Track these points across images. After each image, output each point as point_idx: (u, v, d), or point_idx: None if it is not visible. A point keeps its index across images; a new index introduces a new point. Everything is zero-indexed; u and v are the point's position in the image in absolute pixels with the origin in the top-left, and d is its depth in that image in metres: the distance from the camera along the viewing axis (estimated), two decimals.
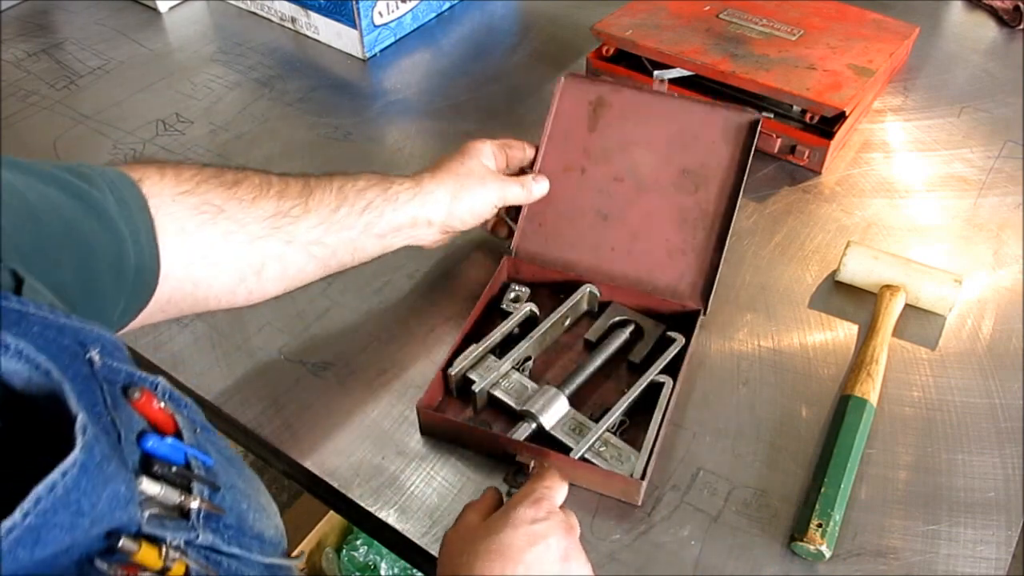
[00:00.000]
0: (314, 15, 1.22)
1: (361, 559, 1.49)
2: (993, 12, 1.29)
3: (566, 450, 0.71)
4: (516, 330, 0.80)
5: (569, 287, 0.84)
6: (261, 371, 0.81)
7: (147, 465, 0.41)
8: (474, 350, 0.77)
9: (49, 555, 0.34)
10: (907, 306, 0.85)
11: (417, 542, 0.69)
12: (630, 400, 0.74)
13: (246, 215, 0.67)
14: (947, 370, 0.81)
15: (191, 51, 1.24)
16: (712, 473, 0.73)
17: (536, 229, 0.88)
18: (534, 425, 0.73)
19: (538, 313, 0.81)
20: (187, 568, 0.40)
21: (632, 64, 1.11)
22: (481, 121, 1.10)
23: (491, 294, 0.84)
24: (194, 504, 0.43)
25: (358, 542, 1.50)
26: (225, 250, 0.66)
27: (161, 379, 0.46)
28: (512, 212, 0.89)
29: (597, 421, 0.72)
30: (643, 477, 0.69)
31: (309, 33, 1.25)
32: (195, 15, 1.31)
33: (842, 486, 0.70)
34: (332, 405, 0.79)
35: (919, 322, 0.85)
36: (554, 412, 0.73)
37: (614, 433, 0.73)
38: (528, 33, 1.28)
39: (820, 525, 0.67)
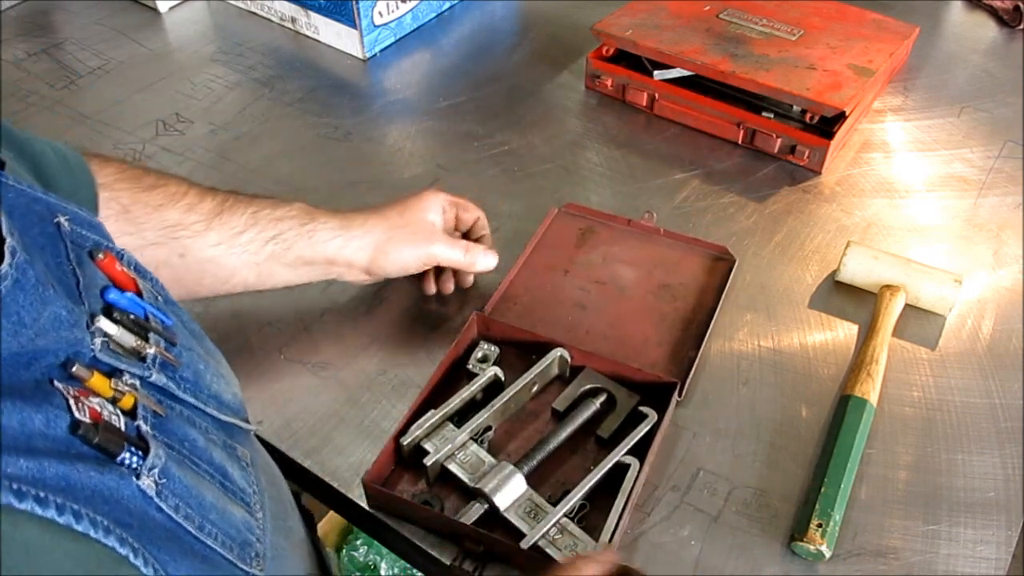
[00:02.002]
0: (314, 15, 1.22)
1: (361, 559, 1.49)
2: (993, 12, 1.29)
3: (518, 536, 0.65)
4: (479, 395, 0.75)
5: (541, 348, 0.78)
6: (261, 371, 0.81)
7: (108, 314, 0.46)
8: (431, 416, 0.72)
9: (10, 363, 0.38)
10: (907, 306, 0.85)
11: (418, 542, 0.69)
12: (593, 482, 0.68)
13: (147, 220, 0.68)
14: (947, 370, 0.81)
15: (191, 51, 1.24)
16: (712, 473, 0.73)
17: (510, 307, 0.85)
18: (486, 506, 0.67)
19: (503, 378, 0.76)
20: (135, 401, 0.44)
21: (632, 64, 1.11)
22: (481, 121, 1.10)
23: (456, 354, 0.79)
24: (150, 350, 0.47)
25: (358, 542, 1.50)
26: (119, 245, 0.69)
27: (127, 251, 0.51)
28: (456, 275, 0.86)
29: (555, 504, 0.67)
30: None
31: (309, 33, 1.25)
32: (195, 15, 1.31)
33: (842, 486, 0.70)
34: (332, 405, 0.79)
35: (919, 322, 0.85)
36: (509, 492, 0.67)
37: (572, 519, 0.67)
38: (528, 33, 1.28)
39: (820, 525, 0.67)
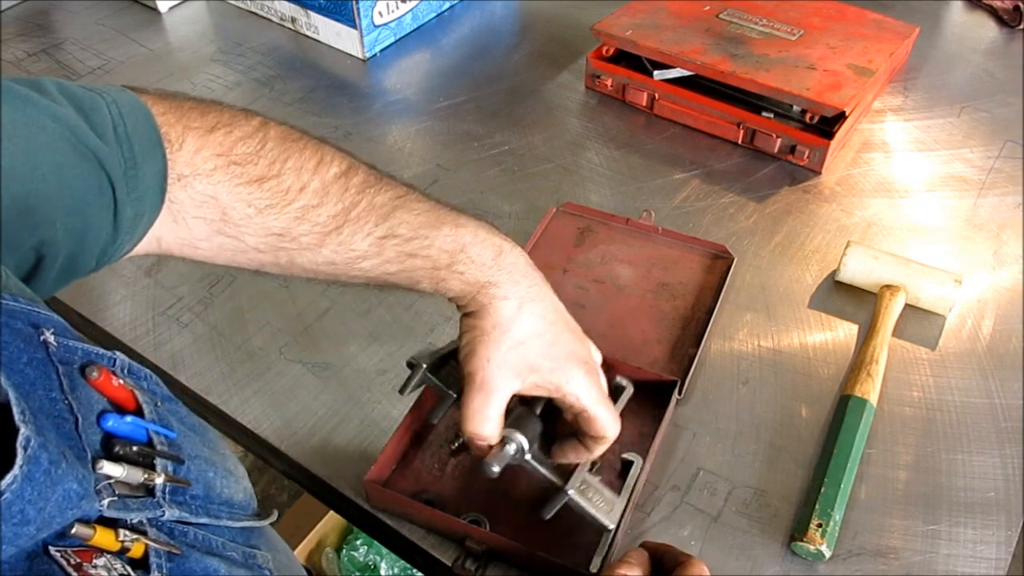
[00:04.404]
0: (314, 15, 1.22)
1: (361, 559, 1.49)
2: (993, 12, 1.29)
3: (557, 489, 0.63)
4: None
5: None
6: (261, 371, 0.81)
7: (108, 446, 0.41)
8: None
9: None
10: (907, 306, 0.85)
11: (417, 543, 0.69)
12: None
13: (247, 224, 0.56)
14: (947, 370, 0.81)
15: (191, 51, 1.24)
16: (712, 473, 0.73)
17: None
18: (516, 444, 0.62)
19: None
20: (146, 548, 0.40)
21: (632, 64, 1.11)
22: (481, 121, 1.10)
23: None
24: (159, 480, 0.43)
25: (358, 542, 1.50)
26: (217, 253, 0.59)
27: (119, 354, 0.45)
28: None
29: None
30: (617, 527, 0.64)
31: (309, 33, 1.25)
32: (195, 15, 1.31)
33: (842, 486, 0.70)
34: (332, 405, 0.79)
35: (919, 322, 0.85)
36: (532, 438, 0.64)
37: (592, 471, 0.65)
38: (528, 33, 1.28)
39: (820, 525, 0.67)
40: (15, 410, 0.35)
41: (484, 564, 0.67)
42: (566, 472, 0.64)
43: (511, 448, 0.61)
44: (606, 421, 0.62)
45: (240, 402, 0.79)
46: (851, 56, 1.04)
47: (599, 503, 0.64)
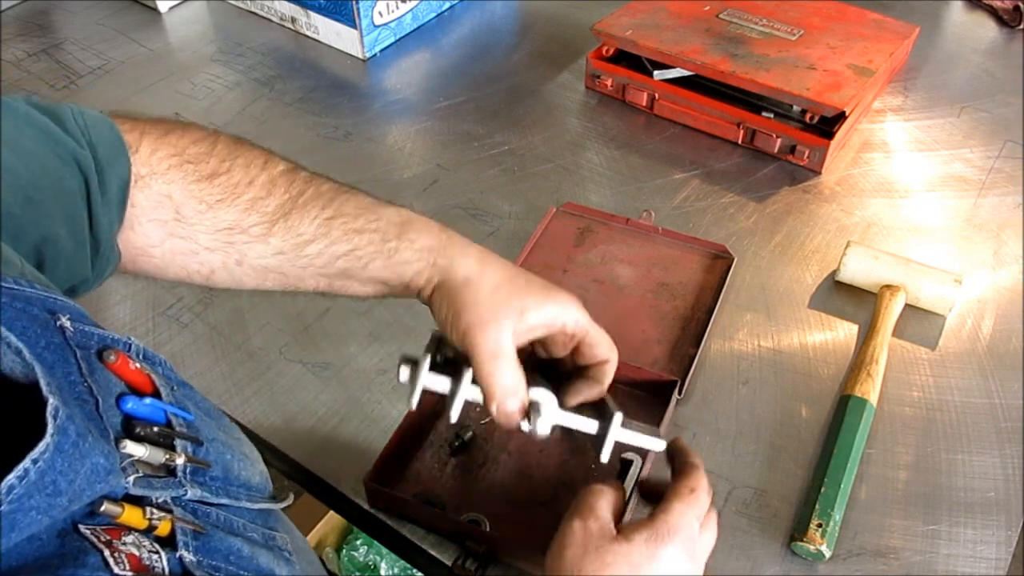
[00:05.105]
0: (314, 15, 1.22)
1: (361, 559, 1.49)
2: (993, 12, 1.29)
3: (602, 427, 0.57)
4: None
5: None
6: (261, 371, 0.81)
7: (129, 428, 0.42)
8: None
9: (25, 538, 0.34)
10: (907, 306, 0.85)
11: (417, 543, 0.69)
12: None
13: (199, 221, 0.56)
14: (947, 370, 0.81)
15: (191, 51, 1.24)
16: (712, 473, 0.73)
17: None
18: (545, 395, 0.57)
19: None
20: (172, 525, 0.41)
21: (632, 64, 1.11)
22: (481, 121, 1.10)
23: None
24: (179, 460, 0.43)
25: (358, 542, 1.50)
26: (170, 260, 0.58)
27: (134, 339, 0.46)
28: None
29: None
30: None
31: (309, 33, 1.25)
32: (195, 15, 1.31)
33: (842, 486, 0.70)
34: (332, 405, 0.79)
35: (919, 322, 0.85)
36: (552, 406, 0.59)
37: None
38: (528, 33, 1.28)
39: (820, 525, 0.67)
40: (42, 382, 0.36)
41: (484, 564, 0.67)
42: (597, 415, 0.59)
43: (543, 397, 0.57)
44: (605, 340, 0.61)
45: (240, 402, 0.79)
46: (851, 56, 1.04)
47: (640, 428, 0.60)
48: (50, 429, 0.34)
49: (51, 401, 0.35)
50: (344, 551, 1.49)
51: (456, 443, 0.74)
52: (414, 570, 1.43)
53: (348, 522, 1.34)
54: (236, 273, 0.59)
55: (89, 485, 0.36)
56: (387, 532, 0.71)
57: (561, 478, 0.72)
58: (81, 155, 0.51)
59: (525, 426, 0.57)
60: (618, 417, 0.56)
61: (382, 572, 1.48)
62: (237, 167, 0.58)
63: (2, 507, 0.32)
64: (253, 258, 0.58)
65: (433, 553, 0.68)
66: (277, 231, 0.58)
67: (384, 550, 1.49)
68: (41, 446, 0.34)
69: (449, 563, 0.67)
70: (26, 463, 0.33)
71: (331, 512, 1.45)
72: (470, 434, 0.74)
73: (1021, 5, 1.26)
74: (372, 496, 0.70)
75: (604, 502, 0.54)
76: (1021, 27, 1.26)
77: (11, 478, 0.32)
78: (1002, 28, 1.28)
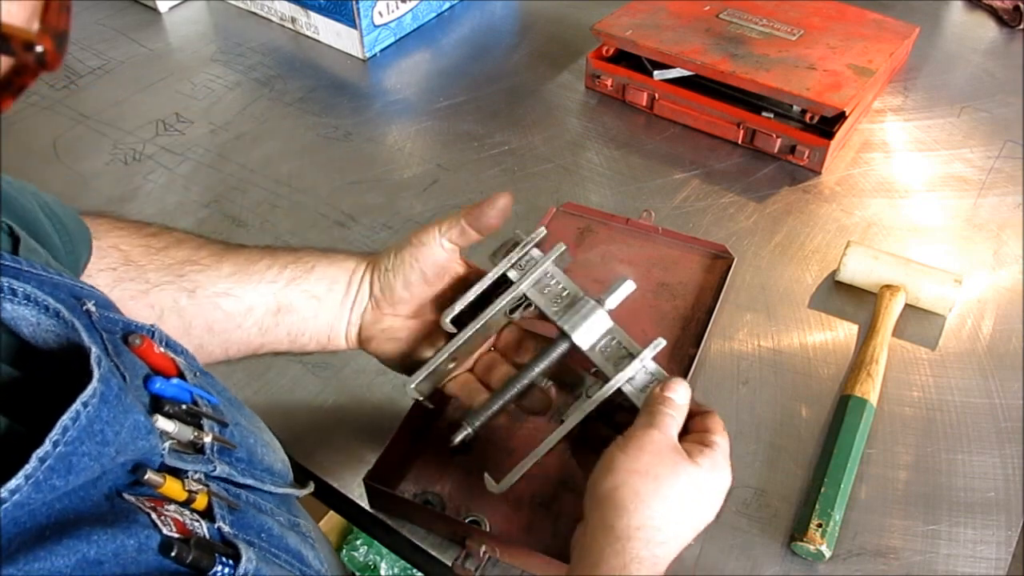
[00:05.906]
0: (314, 15, 1.22)
1: (361, 559, 1.49)
2: (993, 12, 1.29)
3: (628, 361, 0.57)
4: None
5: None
6: (261, 371, 0.81)
7: (157, 406, 0.43)
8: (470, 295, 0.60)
9: (80, 484, 0.35)
10: (907, 306, 0.85)
11: (417, 543, 0.69)
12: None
13: (149, 262, 0.60)
14: (947, 370, 0.81)
15: (191, 51, 1.24)
16: None
17: None
18: (567, 344, 0.58)
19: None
20: (209, 499, 0.42)
21: (632, 64, 1.11)
22: (481, 121, 1.10)
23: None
24: (207, 439, 0.44)
25: (358, 542, 1.50)
26: (122, 304, 0.55)
27: (156, 326, 0.47)
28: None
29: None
30: None
31: (309, 33, 1.25)
32: (195, 15, 1.31)
33: (842, 486, 0.70)
34: (332, 405, 0.79)
35: (919, 322, 0.85)
36: (591, 327, 0.57)
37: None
38: (528, 33, 1.28)
39: (820, 525, 0.67)
40: (83, 335, 0.37)
41: (484, 564, 0.67)
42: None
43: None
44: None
45: (240, 402, 0.79)
46: (851, 56, 1.04)
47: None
48: (96, 375, 0.36)
49: (94, 351, 0.36)
50: (344, 551, 1.49)
51: (456, 442, 0.74)
52: (414, 570, 1.43)
53: (348, 522, 1.34)
54: (187, 313, 0.60)
55: (132, 440, 0.38)
56: (387, 532, 0.71)
57: (561, 478, 0.72)
58: (47, 226, 0.53)
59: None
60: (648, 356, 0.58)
61: (382, 572, 1.48)
62: (176, 230, 0.64)
63: (59, 447, 0.33)
64: (207, 284, 0.61)
65: (433, 553, 0.68)
66: (228, 257, 0.62)
67: (384, 550, 1.49)
68: (89, 390, 0.35)
69: (449, 563, 0.67)
70: (77, 405, 0.34)
71: (331, 512, 1.45)
72: (470, 434, 0.74)
73: (1021, 5, 1.26)
74: (372, 496, 0.70)
75: (674, 422, 0.57)
76: (1021, 27, 1.26)
77: (65, 419, 0.34)
78: (1002, 28, 1.28)
